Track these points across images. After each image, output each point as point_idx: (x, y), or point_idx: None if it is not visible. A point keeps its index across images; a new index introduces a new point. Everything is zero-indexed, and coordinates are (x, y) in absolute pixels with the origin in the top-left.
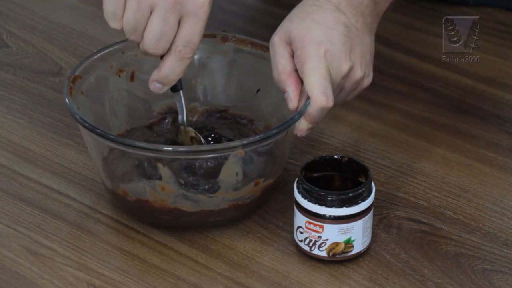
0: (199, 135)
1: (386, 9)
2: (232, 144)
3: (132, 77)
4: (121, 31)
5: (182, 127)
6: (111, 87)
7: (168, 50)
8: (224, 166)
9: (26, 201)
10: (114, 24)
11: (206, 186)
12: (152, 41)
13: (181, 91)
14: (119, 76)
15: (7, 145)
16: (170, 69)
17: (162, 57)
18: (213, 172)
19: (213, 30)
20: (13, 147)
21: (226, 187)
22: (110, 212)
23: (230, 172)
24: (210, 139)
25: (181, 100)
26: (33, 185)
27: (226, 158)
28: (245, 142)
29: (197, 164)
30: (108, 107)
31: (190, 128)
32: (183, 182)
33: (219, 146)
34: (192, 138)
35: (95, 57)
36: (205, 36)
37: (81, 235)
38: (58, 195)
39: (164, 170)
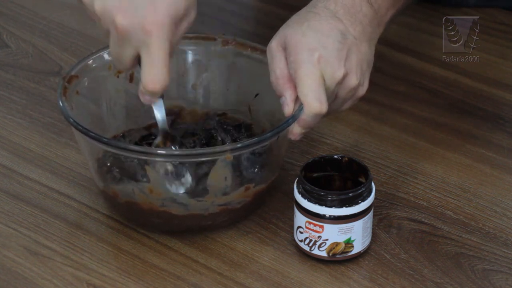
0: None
1: (388, 19)
2: (219, 148)
3: (131, 78)
4: None
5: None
6: (109, 88)
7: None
8: (212, 170)
9: (26, 201)
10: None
11: (195, 190)
12: (112, 59)
13: (161, 100)
14: (118, 77)
15: (7, 145)
16: (147, 97)
17: None
18: (201, 176)
19: (213, 33)
20: (13, 147)
21: (215, 191)
22: (110, 212)
23: (219, 176)
24: (204, 141)
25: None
26: (33, 185)
27: (214, 162)
28: (233, 146)
29: (185, 167)
30: (106, 108)
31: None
32: (170, 185)
33: (206, 150)
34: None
35: (93, 57)
36: (205, 39)
37: (81, 235)
38: (58, 195)
39: (151, 173)
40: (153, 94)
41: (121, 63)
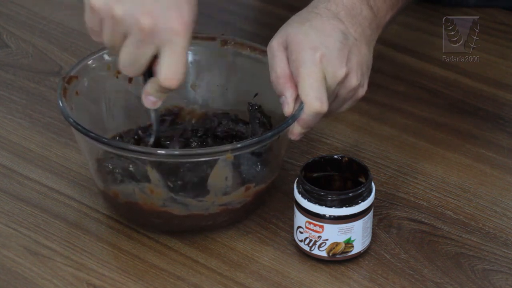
0: None
1: (387, 22)
2: (220, 148)
3: (130, 79)
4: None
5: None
6: (108, 88)
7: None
8: (213, 170)
9: (26, 201)
10: (95, 39)
11: (195, 190)
12: (124, 64)
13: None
14: (117, 77)
15: (7, 145)
16: (156, 96)
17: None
18: (202, 176)
19: (212, 33)
20: (13, 147)
21: (215, 191)
22: (110, 212)
23: (219, 176)
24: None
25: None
26: (33, 185)
27: (215, 162)
28: (233, 146)
29: (185, 167)
30: (105, 108)
31: None
32: (171, 186)
33: (207, 150)
34: None
35: (93, 57)
36: (204, 39)
37: (81, 235)
38: (58, 195)
39: (152, 173)
40: (166, 91)
41: (136, 64)
